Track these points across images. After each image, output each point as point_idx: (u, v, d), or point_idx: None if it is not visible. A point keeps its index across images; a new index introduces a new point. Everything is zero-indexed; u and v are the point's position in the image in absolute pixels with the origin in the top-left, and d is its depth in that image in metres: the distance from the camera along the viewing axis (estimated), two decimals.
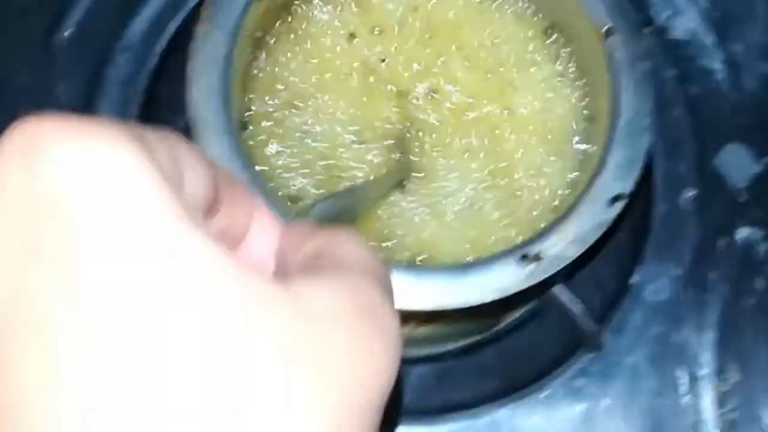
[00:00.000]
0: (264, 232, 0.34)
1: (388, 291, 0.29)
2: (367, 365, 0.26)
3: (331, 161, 0.59)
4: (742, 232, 0.68)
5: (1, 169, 0.24)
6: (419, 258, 0.57)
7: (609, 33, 0.57)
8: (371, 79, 0.61)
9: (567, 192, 0.58)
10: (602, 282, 0.68)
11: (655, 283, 0.66)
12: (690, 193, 0.69)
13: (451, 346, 0.68)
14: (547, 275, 0.51)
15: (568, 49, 0.61)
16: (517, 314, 0.68)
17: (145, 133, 0.26)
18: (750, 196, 0.69)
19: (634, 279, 0.67)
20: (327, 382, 0.24)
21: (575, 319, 0.62)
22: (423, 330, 0.68)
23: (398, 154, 0.60)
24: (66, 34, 0.69)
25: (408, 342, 0.68)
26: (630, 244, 0.69)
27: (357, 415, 0.25)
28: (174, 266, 0.23)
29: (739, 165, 0.70)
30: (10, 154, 0.24)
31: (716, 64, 0.72)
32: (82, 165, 0.23)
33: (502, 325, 0.68)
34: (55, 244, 0.23)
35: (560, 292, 0.63)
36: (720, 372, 0.65)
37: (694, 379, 0.64)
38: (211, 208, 0.31)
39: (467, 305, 0.50)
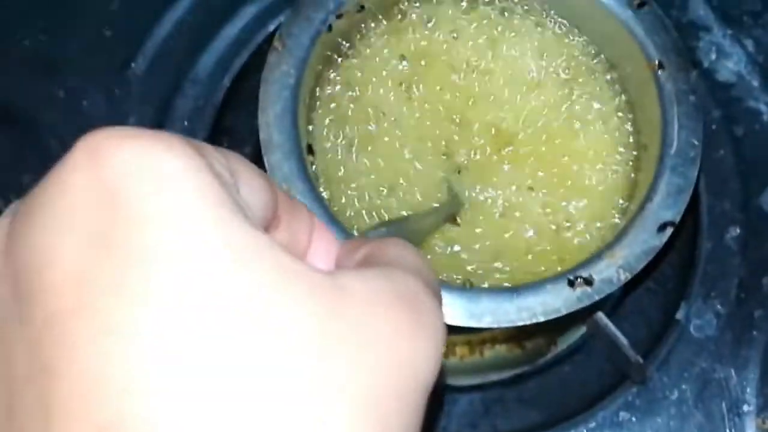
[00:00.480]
0: (323, 250, 0.36)
1: (433, 290, 0.31)
2: (406, 350, 0.27)
3: (388, 189, 0.61)
4: None
5: (68, 168, 0.27)
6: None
7: (660, 66, 0.59)
8: (429, 111, 0.63)
9: (616, 223, 0.60)
10: (649, 317, 0.70)
11: (700, 319, 0.67)
12: (735, 231, 0.70)
13: (498, 376, 0.69)
14: (597, 298, 0.53)
15: (620, 81, 0.64)
16: (563, 346, 0.70)
17: (202, 144, 0.29)
18: None
19: (680, 314, 0.68)
20: (364, 362, 0.26)
21: (621, 351, 0.63)
22: (472, 360, 0.70)
23: (449, 188, 0.62)
24: (139, 67, 0.73)
25: (457, 371, 0.69)
26: (676, 280, 0.70)
27: (396, 397, 0.27)
28: (224, 256, 0.25)
29: None
30: (78, 156, 0.27)
31: (762, 106, 0.74)
32: (141, 166, 0.26)
33: (548, 356, 0.69)
34: (120, 238, 0.25)
35: (607, 324, 0.64)
36: (763, 409, 0.65)
37: (737, 416, 0.65)
38: (269, 224, 0.33)
39: (519, 324, 0.52)
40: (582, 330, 0.69)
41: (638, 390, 0.65)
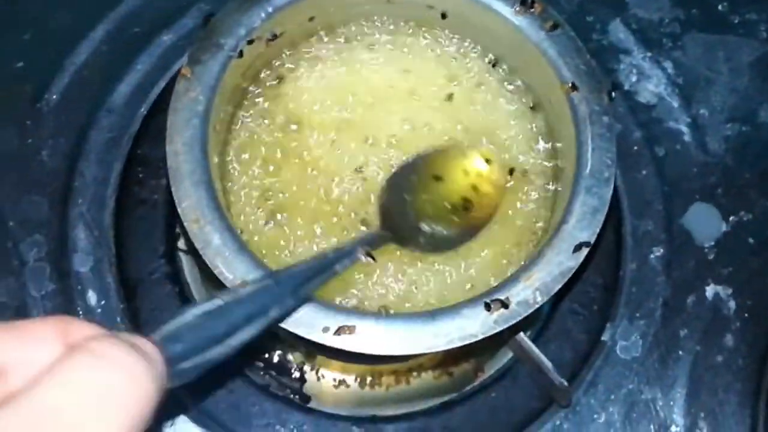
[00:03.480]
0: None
1: None
2: None
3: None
4: (711, 290, 0.69)
5: None
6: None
7: (573, 88, 0.59)
8: (347, 137, 0.63)
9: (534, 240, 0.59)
10: (575, 339, 0.69)
11: (626, 340, 0.67)
12: (659, 251, 0.70)
13: (425, 404, 0.68)
14: (514, 321, 0.52)
15: (537, 104, 0.64)
16: (491, 372, 0.69)
17: None
18: (717, 254, 0.70)
19: (606, 336, 0.67)
20: None
21: (546, 375, 0.63)
22: (398, 389, 0.69)
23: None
24: (52, 98, 0.71)
25: (384, 401, 0.68)
26: (601, 302, 0.70)
27: None
28: None
29: (707, 223, 0.71)
30: None
31: (682, 127, 0.75)
32: None
33: (476, 383, 0.69)
34: None
35: (530, 347, 0.63)
36: (690, 428, 0.65)
37: None
38: None
39: (435, 350, 0.51)
40: (509, 355, 0.69)
41: (566, 413, 0.65)
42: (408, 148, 0.63)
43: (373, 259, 0.55)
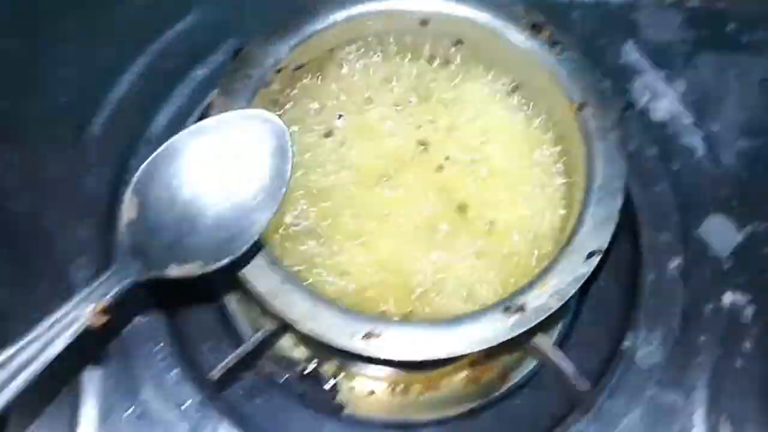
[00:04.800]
0: None
1: None
2: None
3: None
4: (728, 297, 0.71)
5: None
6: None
7: (581, 106, 0.62)
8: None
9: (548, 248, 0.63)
10: (597, 348, 0.72)
11: (646, 347, 0.69)
12: (676, 261, 0.72)
13: (454, 411, 0.71)
14: (530, 325, 0.55)
15: (547, 119, 0.67)
16: (515, 380, 0.72)
17: None
18: (734, 264, 0.73)
19: (627, 344, 0.70)
20: None
21: (569, 380, 0.65)
22: (427, 396, 0.72)
23: None
24: (95, 130, 0.76)
25: (413, 407, 0.71)
26: (621, 311, 0.72)
27: None
28: None
29: (722, 234, 0.74)
30: None
31: (696, 142, 0.78)
32: None
33: (502, 390, 0.71)
34: None
35: (554, 351, 0.66)
36: None
37: None
38: None
39: (456, 354, 0.54)
40: (533, 363, 0.71)
41: (588, 419, 0.67)
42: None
43: None
